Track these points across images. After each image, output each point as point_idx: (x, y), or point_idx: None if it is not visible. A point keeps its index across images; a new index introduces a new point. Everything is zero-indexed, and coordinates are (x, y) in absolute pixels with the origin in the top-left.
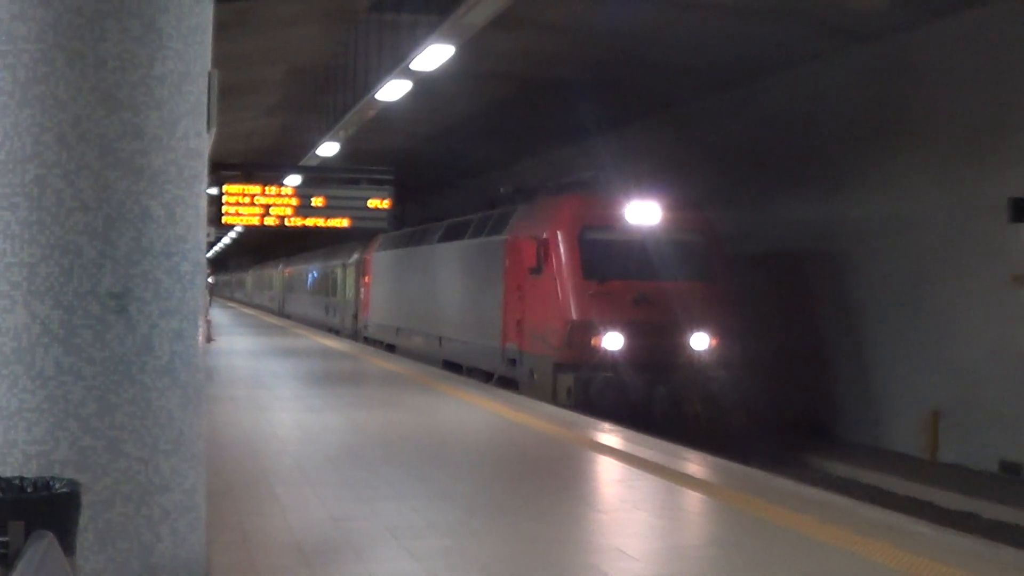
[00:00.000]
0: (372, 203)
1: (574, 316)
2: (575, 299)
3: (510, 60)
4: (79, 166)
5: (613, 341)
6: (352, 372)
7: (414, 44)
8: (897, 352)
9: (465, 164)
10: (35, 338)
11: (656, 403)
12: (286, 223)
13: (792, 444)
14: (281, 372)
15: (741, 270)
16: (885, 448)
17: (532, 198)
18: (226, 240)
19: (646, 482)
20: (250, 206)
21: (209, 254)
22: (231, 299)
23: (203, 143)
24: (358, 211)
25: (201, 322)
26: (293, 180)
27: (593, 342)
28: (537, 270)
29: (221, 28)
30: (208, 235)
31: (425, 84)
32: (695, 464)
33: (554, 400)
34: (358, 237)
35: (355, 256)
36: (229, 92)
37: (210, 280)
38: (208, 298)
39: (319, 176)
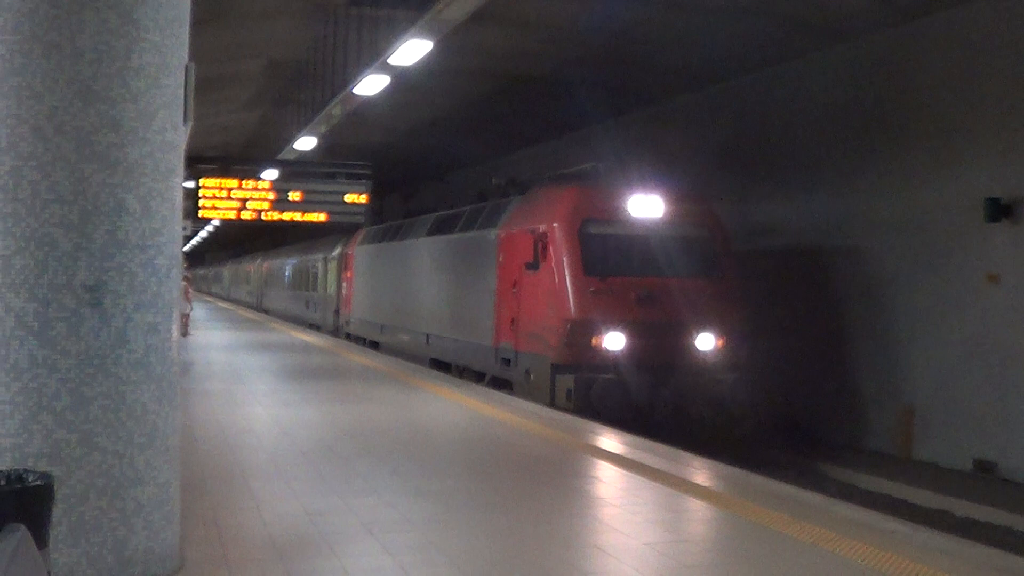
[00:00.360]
0: (349, 198)
1: (574, 314)
2: (575, 296)
3: (489, 56)
4: (55, 158)
5: (615, 341)
6: (330, 367)
7: (392, 39)
8: (872, 350)
9: (445, 159)
10: (9, 331)
11: (660, 407)
12: (263, 217)
13: (771, 444)
14: (257, 367)
15: None
16: (860, 447)
17: (527, 190)
18: (203, 234)
19: (630, 480)
20: (227, 200)
21: (186, 248)
22: (208, 293)
23: (180, 136)
24: (335, 206)
25: (176, 315)
26: (270, 174)
27: (594, 342)
28: (534, 265)
29: (198, 21)
30: (184, 229)
31: (404, 79)
32: (676, 462)
33: (552, 402)
34: (339, 231)
35: (337, 250)
36: (206, 85)
37: (187, 275)
38: (188, 291)
39: (297, 171)
